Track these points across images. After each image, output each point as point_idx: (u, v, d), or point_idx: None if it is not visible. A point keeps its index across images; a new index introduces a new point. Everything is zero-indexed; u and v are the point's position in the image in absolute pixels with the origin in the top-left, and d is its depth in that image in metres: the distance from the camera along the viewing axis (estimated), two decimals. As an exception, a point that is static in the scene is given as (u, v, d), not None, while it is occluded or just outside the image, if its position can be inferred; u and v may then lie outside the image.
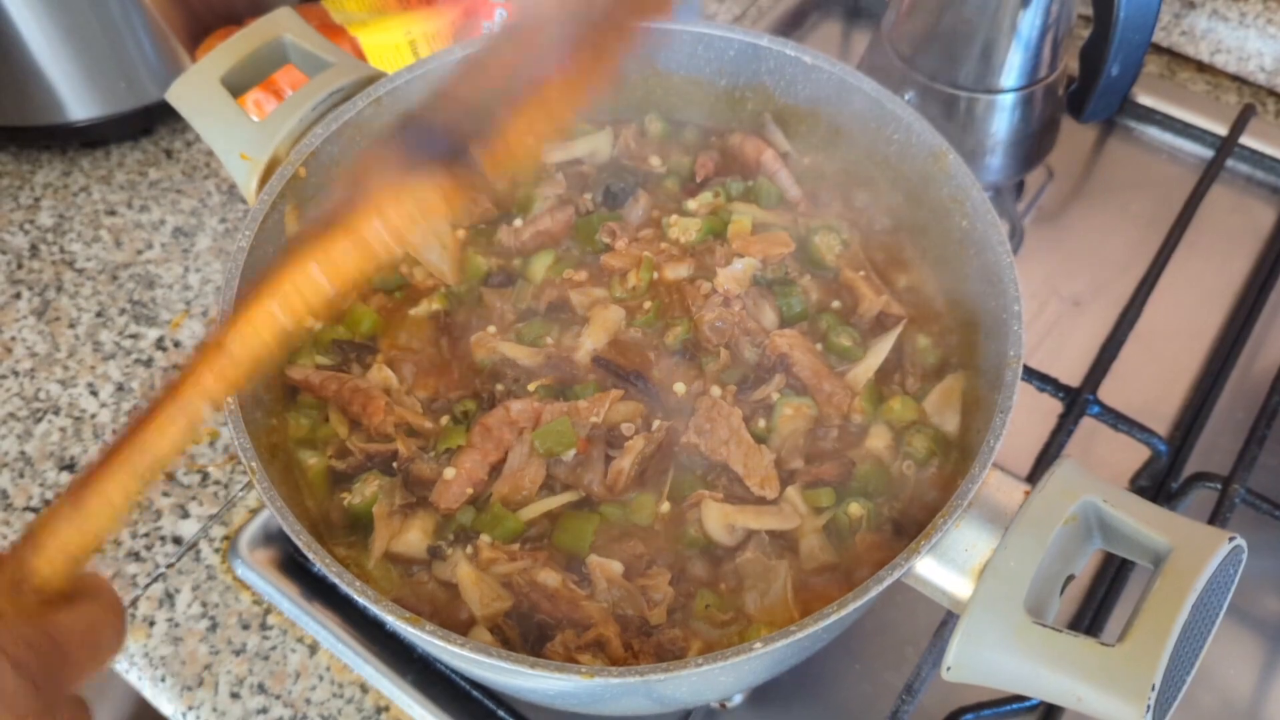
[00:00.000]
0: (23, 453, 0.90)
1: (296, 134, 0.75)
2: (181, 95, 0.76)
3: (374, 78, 0.77)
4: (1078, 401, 0.82)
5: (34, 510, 0.86)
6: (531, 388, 0.69)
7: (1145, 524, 0.53)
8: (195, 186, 1.08)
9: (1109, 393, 0.83)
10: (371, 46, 0.93)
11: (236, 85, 0.77)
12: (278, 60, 0.79)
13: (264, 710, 0.75)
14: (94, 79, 1.04)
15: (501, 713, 0.73)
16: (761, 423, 0.68)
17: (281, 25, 0.78)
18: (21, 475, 0.88)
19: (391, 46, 0.92)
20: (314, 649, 0.78)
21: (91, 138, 1.10)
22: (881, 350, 0.70)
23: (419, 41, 0.92)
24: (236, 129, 0.75)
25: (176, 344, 0.96)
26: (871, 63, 1.00)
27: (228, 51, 0.77)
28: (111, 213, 1.06)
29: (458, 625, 0.62)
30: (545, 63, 0.49)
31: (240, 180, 0.75)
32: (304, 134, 0.74)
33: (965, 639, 0.52)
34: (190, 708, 0.76)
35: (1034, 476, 0.78)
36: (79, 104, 1.05)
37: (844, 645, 0.75)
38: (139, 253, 1.03)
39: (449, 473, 0.66)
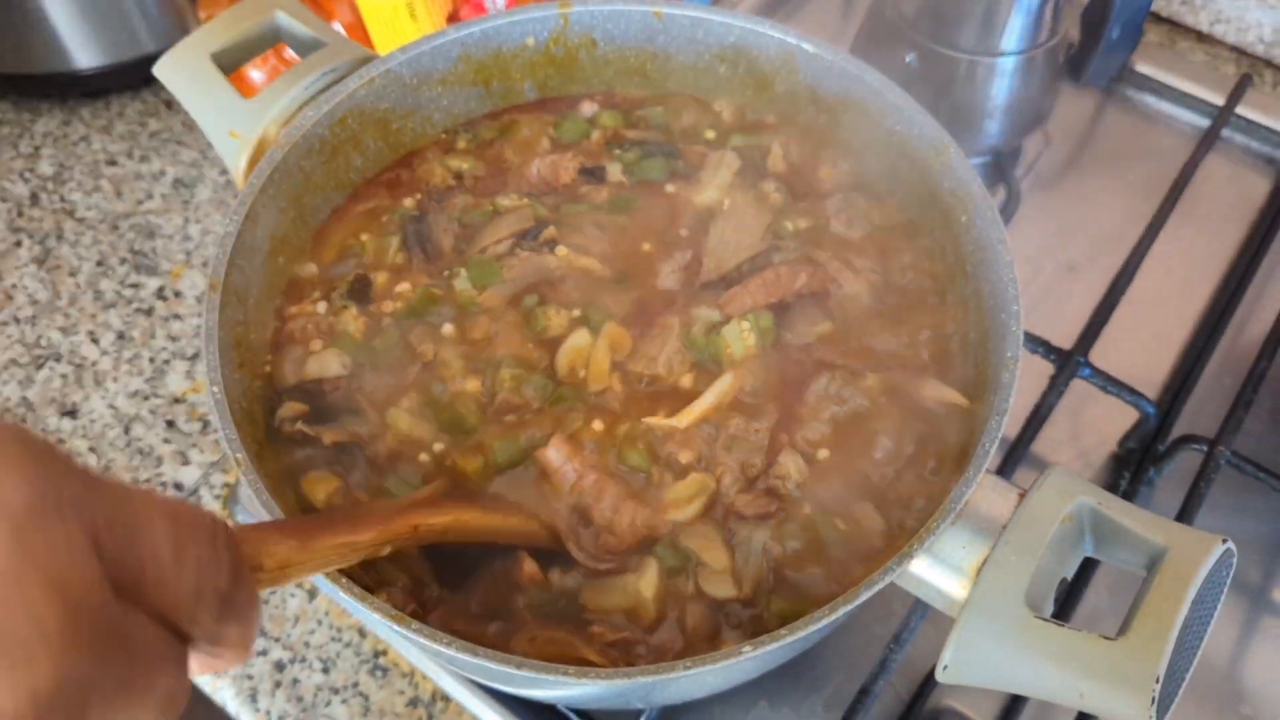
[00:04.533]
0: (24, 399, 0.90)
1: (288, 114, 0.73)
2: (169, 71, 0.74)
3: (367, 58, 0.75)
4: (1069, 364, 0.83)
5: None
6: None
7: (1141, 526, 0.54)
8: (195, 137, 1.07)
9: (1100, 356, 0.84)
10: (369, 7, 0.91)
11: (227, 62, 0.75)
12: (270, 38, 0.77)
13: (264, 652, 0.76)
14: (96, 27, 1.04)
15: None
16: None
17: (275, 2, 0.76)
18: (23, 421, 0.88)
19: (389, 7, 0.91)
20: (313, 594, 0.79)
21: (92, 87, 1.09)
22: None
23: (416, 4, 0.91)
24: (225, 107, 0.73)
25: (176, 293, 0.96)
26: (874, 21, 0.99)
27: (218, 28, 0.75)
28: (112, 163, 1.06)
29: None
30: None
31: (229, 160, 0.73)
32: (296, 114, 0.73)
33: (964, 634, 0.52)
34: (187, 651, 0.76)
35: (1024, 438, 0.80)
36: (81, 52, 1.05)
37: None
38: (139, 203, 1.03)
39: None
